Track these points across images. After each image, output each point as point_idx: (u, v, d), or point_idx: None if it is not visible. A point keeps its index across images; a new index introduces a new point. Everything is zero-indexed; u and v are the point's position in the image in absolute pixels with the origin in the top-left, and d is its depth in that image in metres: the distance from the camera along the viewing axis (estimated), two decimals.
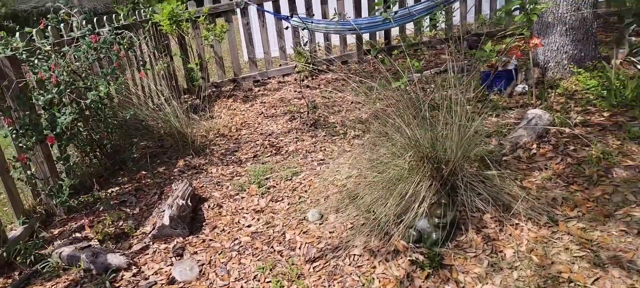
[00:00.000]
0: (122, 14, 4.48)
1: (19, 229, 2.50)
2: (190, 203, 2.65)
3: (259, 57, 6.18)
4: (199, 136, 3.96)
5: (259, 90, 5.59)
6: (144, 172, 3.40)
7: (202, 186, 3.10)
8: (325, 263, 2.00)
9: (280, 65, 5.92)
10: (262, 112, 4.69)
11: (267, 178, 3.06)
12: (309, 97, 4.79)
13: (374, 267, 1.89)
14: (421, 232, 1.93)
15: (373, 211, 2.17)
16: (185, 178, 3.26)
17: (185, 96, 5.41)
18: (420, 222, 1.94)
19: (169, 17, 4.53)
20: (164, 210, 2.54)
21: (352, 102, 4.44)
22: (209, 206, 2.80)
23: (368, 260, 1.95)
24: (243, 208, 2.73)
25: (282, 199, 2.76)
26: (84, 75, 2.92)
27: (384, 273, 1.84)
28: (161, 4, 4.89)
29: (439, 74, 4.56)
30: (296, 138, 3.79)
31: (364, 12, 5.90)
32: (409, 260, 1.85)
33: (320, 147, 3.45)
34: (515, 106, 3.31)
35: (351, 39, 6.51)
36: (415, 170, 2.12)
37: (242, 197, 2.86)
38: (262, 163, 3.33)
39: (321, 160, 3.22)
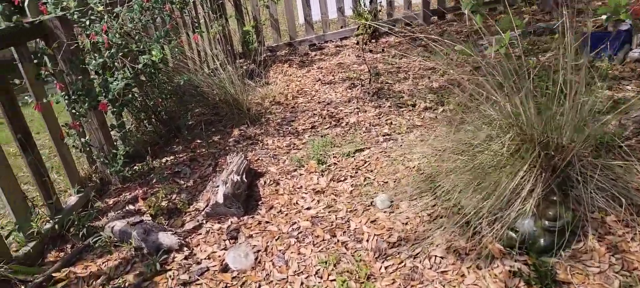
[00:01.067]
0: None
1: (73, 198, 2.42)
2: (245, 179, 2.44)
3: (315, 19, 5.82)
4: (255, 103, 3.75)
5: (315, 55, 5.26)
6: (198, 141, 3.25)
7: (258, 159, 2.88)
8: (399, 263, 1.71)
9: (341, 27, 5.53)
10: (320, 79, 4.38)
11: (326, 154, 2.78)
12: (371, 63, 4.41)
13: (463, 276, 1.57)
14: (524, 236, 1.57)
15: (457, 203, 1.83)
16: (240, 150, 3.06)
17: (240, 60, 5.22)
18: (525, 223, 1.58)
19: None
20: (218, 186, 2.35)
21: (419, 69, 4.01)
22: (265, 182, 2.58)
23: (453, 264, 1.63)
24: (301, 187, 2.48)
25: (345, 179, 2.47)
26: (137, 37, 2.75)
27: (476, 285, 1.51)
28: None
29: (529, 35, 3.99)
30: (357, 108, 3.46)
31: None
32: (509, 270, 1.51)
33: (386, 120, 3.11)
34: (630, 76, 2.75)
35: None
36: (516, 156, 1.73)
37: (301, 174, 2.62)
38: (321, 136, 3.05)
39: (387, 135, 2.88)
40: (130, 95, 2.79)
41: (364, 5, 5.34)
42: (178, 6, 2.71)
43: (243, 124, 3.45)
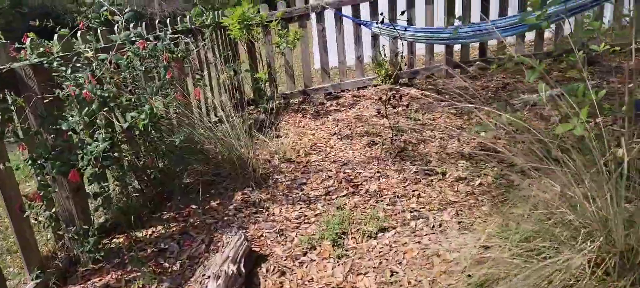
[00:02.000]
0: (188, 16, 4.00)
1: (28, 286, 1.98)
2: (243, 269, 1.98)
3: (332, 66, 5.50)
4: (262, 160, 3.33)
5: (331, 105, 4.89)
6: (193, 207, 2.82)
7: (261, 236, 2.43)
8: None
9: (360, 77, 5.18)
10: (335, 133, 3.98)
11: (343, 233, 2.31)
12: (392, 117, 3.99)
13: None
14: None
15: None
16: (242, 219, 2.62)
17: (250, 107, 4.87)
18: None
19: (240, 20, 3.97)
20: (208, 278, 1.89)
21: (446, 127, 3.57)
22: (267, 271, 2.11)
23: None
24: (313, 279, 2.01)
25: (366, 272, 1.99)
26: (128, 89, 2.39)
27: None
28: (233, 7, 4.38)
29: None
30: (378, 172, 3.01)
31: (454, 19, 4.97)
32: None
33: (413, 190, 2.64)
34: None
35: (438, 49, 5.62)
36: (604, 277, 1.26)
37: (312, 260, 2.14)
38: (337, 208, 2.59)
39: (415, 211, 2.41)
40: (115, 154, 2.39)
41: (384, 55, 5.00)
42: (180, 55, 2.37)
43: (247, 187, 3.02)
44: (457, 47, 5.23)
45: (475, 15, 5.08)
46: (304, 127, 4.29)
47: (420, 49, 5.63)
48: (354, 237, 2.27)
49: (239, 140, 3.13)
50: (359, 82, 5.17)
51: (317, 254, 2.19)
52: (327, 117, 4.45)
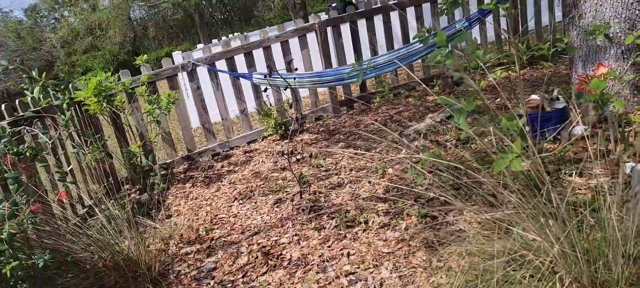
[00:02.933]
0: (29, 99, 3.26)
1: None
2: None
3: (214, 122, 5.13)
4: (156, 252, 2.79)
5: (222, 166, 4.49)
6: None
7: None
8: None
9: (248, 130, 4.89)
10: (236, 197, 3.61)
11: None
12: (293, 168, 3.79)
13: None
14: None
15: None
16: None
17: (126, 187, 4.19)
18: None
19: (96, 92, 3.38)
20: None
21: (351, 169, 3.50)
22: None
23: None
24: None
25: None
26: None
27: None
28: (84, 76, 3.73)
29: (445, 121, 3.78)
30: (296, 235, 2.75)
31: (334, 62, 5.11)
32: None
33: (340, 250, 2.44)
34: (583, 157, 2.55)
35: (321, 90, 5.69)
36: None
37: None
38: None
39: (351, 274, 2.19)
40: None
41: (270, 104, 4.84)
42: (29, 153, 1.81)
43: None
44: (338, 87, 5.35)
45: (350, 54, 5.29)
46: (197, 198, 3.81)
47: (304, 92, 5.63)
48: None
49: (121, 235, 2.57)
50: (248, 136, 4.89)
51: None
52: (222, 181, 4.05)
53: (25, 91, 3.08)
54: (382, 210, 2.68)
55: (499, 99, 3.75)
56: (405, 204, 2.63)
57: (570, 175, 2.32)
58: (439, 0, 5.09)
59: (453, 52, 1.58)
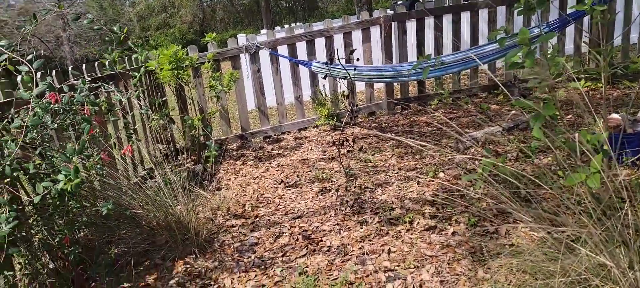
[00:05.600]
0: (108, 62, 3.52)
1: None
2: None
3: (269, 107, 5.25)
4: (204, 220, 2.92)
5: (273, 149, 4.60)
6: (125, 285, 2.33)
7: None
8: None
9: (301, 118, 4.96)
10: (282, 180, 3.68)
11: None
12: (341, 159, 3.81)
13: None
14: None
15: None
16: None
17: (182, 156, 4.41)
18: None
19: (170, 61, 3.58)
20: None
21: (400, 168, 3.46)
22: None
23: None
24: None
25: None
26: (38, 152, 1.92)
27: None
28: (155, 50, 3.97)
29: (508, 132, 3.63)
30: (338, 224, 2.76)
31: (394, 58, 5.05)
32: None
33: (381, 245, 2.42)
34: None
35: (378, 86, 5.65)
36: None
37: None
38: (299, 273, 2.28)
39: (390, 271, 2.18)
40: (23, 233, 1.88)
41: (325, 94, 4.88)
42: (104, 107, 1.97)
43: (190, 254, 2.60)
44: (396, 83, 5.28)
45: (412, 52, 5.19)
46: (246, 175, 3.94)
47: (360, 86, 5.61)
48: None
49: (175, 199, 2.72)
50: (300, 123, 4.97)
51: None
52: (271, 163, 4.16)
53: (104, 56, 3.33)
54: (429, 213, 2.63)
55: (570, 116, 3.53)
56: (455, 210, 2.56)
57: None
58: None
59: (534, 52, 1.50)
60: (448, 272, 2.03)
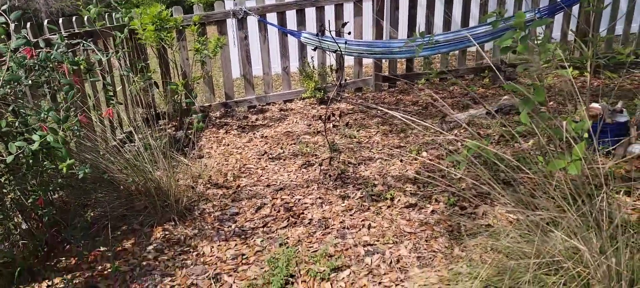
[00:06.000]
0: (86, 18, 3.37)
1: None
2: None
3: (255, 76, 5.16)
4: (184, 187, 2.88)
5: (257, 119, 4.54)
6: (101, 249, 2.30)
7: (191, 286, 2.02)
8: None
9: (287, 89, 4.89)
10: (266, 152, 3.65)
11: (291, 276, 2.02)
12: (327, 135, 3.79)
13: None
14: None
15: None
16: (165, 264, 2.18)
17: (163, 121, 4.31)
18: None
19: (152, 21, 3.45)
20: None
21: (384, 146, 3.46)
22: None
23: None
24: None
25: None
26: (10, 109, 1.83)
27: None
28: (137, 8, 3.81)
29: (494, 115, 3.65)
30: (320, 198, 2.76)
31: (385, 34, 4.98)
32: None
33: (361, 220, 2.44)
34: (635, 177, 2.41)
35: (366, 62, 5.59)
36: None
37: None
38: (280, 245, 2.28)
39: (369, 245, 2.20)
40: None
41: (313, 67, 4.81)
42: (83, 66, 1.88)
43: (169, 221, 2.57)
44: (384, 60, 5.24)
45: (403, 30, 5.14)
46: (228, 145, 3.89)
47: (348, 61, 5.54)
48: (305, 281, 1.98)
49: (155, 164, 2.66)
50: (286, 95, 4.90)
51: None
52: (254, 133, 4.11)
53: (79, 11, 3.18)
54: (410, 190, 2.65)
55: (552, 102, 3.57)
56: (435, 189, 2.59)
57: (618, 192, 2.20)
58: None
59: (528, 37, 1.49)
60: (425, 249, 2.06)
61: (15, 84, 1.80)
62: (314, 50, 3.61)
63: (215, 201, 2.83)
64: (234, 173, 3.24)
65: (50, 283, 2.04)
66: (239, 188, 3.02)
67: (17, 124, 1.73)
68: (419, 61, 5.36)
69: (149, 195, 2.54)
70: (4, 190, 1.96)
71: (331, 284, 1.94)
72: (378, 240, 2.21)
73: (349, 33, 4.09)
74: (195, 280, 2.05)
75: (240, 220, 2.60)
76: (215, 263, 2.18)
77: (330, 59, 4.75)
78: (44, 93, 2.22)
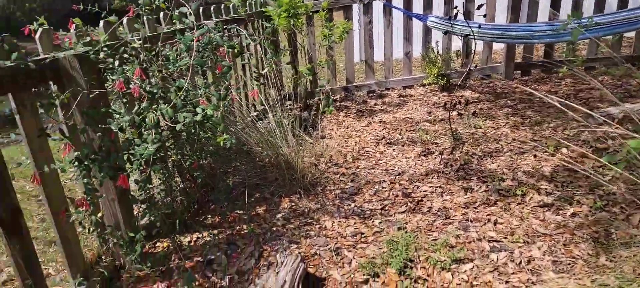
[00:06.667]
0: (231, 5, 3.75)
1: None
2: None
3: (376, 61, 5.19)
4: (309, 164, 3.07)
5: (375, 104, 4.59)
6: (239, 213, 2.59)
7: (315, 254, 2.18)
8: None
9: (408, 75, 4.84)
10: (384, 137, 3.69)
11: (410, 260, 2.04)
12: (448, 123, 3.67)
13: None
14: None
15: None
16: (292, 232, 2.37)
17: (289, 102, 4.61)
18: None
19: (287, 8, 3.70)
20: None
21: (514, 139, 3.24)
22: None
23: None
24: None
25: None
26: (177, 85, 2.15)
27: None
28: None
29: None
30: (440, 187, 2.71)
31: (523, 15, 4.58)
32: None
33: (487, 214, 2.34)
34: None
35: (496, 47, 5.22)
36: None
37: None
38: (398, 229, 2.31)
39: (495, 241, 2.11)
40: (162, 153, 2.17)
41: (437, 52, 4.66)
42: (236, 50, 2.12)
43: (295, 194, 2.77)
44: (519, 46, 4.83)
45: (544, 11, 4.66)
46: (348, 127, 4.01)
47: (478, 45, 5.23)
48: (424, 267, 1.99)
49: (286, 141, 2.88)
50: (406, 80, 4.85)
51: (382, 284, 1.93)
52: (373, 118, 4.16)
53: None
54: (546, 189, 2.45)
55: None
56: (577, 191, 2.35)
57: None
58: None
59: None
60: (563, 253, 1.90)
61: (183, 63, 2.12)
62: (444, 34, 3.50)
63: (335, 180, 2.97)
64: (353, 155, 3.35)
65: (199, 235, 2.39)
66: (358, 170, 3.11)
67: (183, 97, 2.04)
68: (559, 47, 4.82)
69: (279, 169, 2.78)
70: (169, 153, 2.33)
71: (452, 275, 1.92)
72: (505, 238, 2.11)
73: (485, 16, 3.85)
74: (318, 250, 2.20)
75: (359, 200, 2.69)
76: (336, 238, 2.31)
77: (456, 44, 4.55)
78: (197, 71, 2.56)
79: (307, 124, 3.88)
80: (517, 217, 2.25)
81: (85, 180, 1.75)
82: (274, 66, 3.82)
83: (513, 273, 1.86)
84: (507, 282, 1.81)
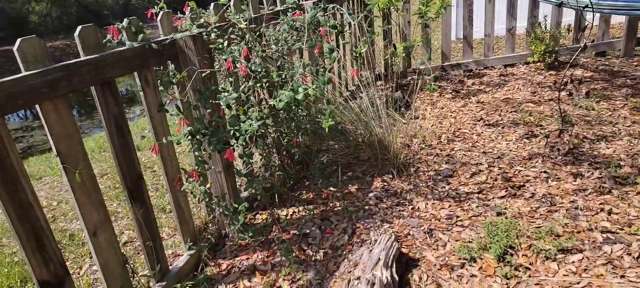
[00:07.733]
0: None
1: (183, 258, 2.02)
2: (396, 277, 1.76)
3: (476, 38, 4.90)
4: (401, 145, 3.05)
5: (473, 83, 4.36)
6: (332, 190, 2.68)
7: (408, 235, 2.18)
8: None
9: (510, 52, 4.51)
10: (482, 118, 3.50)
11: (510, 246, 1.94)
12: (554, 104, 3.37)
13: None
14: None
15: None
16: (384, 211, 2.40)
17: (380, 82, 4.58)
18: None
19: None
20: (357, 279, 1.71)
21: (634, 122, 2.87)
22: (420, 279, 1.86)
23: None
24: None
25: None
26: (279, 63, 2.27)
27: None
28: None
29: None
30: (544, 172, 2.52)
31: None
32: None
33: (599, 203, 2.13)
34: None
35: (614, 20, 4.63)
36: None
37: (472, 276, 1.83)
38: (497, 213, 2.21)
39: (608, 232, 1.92)
40: (263, 130, 2.33)
41: (544, 27, 4.26)
42: (337, 30, 2.17)
43: (387, 173, 2.78)
44: None
45: None
46: (443, 108, 3.88)
47: (590, 20, 4.69)
48: (526, 255, 1.89)
49: (379, 120, 2.89)
50: (508, 58, 4.52)
51: (479, 269, 1.87)
52: (469, 98, 3.97)
53: None
54: None
55: None
56: None
57: None
58: None
59: None
60: None
61: (284, 42, 2.23)
62: (559, 6, 3.19)
63: (429, 161, 2.91)
64: (447, 137, 3.24)
65: (295, 210, 2.52)
66: (453, 152, 3.01)
67: (284, 76, 2.15)
68: None
69: (372, 148, 2.80)
70: (269, 131, 2.48)
71: (558, 265, 1.79)
72: (622, 229, 1.91)
73: None
74: (411, 231, 2.20)
75: (454, 183, 2.61)
76: (430, 220, 2.28)
77: (566, 19, 4.12)
78: (294, 51, 2.66)
79: (399, 104, 3.83)
80: (635, 207, 2.02)
81: (196, 152, 1.95)
82: (368, 46, 3.82)
83: (630, 267, 1.68)
84: (622, 276, 1.65)
